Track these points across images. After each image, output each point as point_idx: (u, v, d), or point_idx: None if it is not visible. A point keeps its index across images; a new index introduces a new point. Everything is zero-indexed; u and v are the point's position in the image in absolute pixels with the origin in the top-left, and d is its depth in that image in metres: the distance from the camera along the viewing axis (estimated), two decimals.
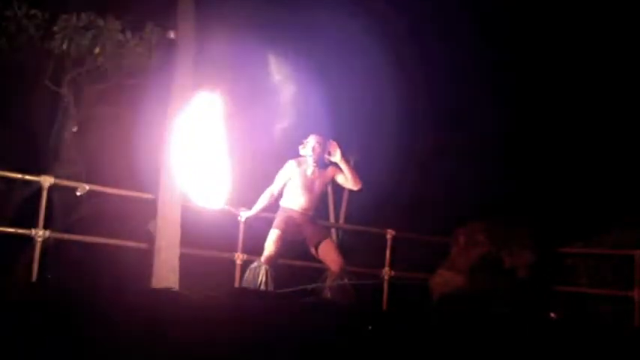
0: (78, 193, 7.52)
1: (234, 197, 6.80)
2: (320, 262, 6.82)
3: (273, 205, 6.80)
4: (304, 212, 6.63)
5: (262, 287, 6.34)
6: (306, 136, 6.72)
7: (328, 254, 6.60)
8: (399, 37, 10.69)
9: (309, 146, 6.63)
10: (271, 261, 6.50)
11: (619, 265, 8.76)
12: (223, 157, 6.68)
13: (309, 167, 6.62)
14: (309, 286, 6.72)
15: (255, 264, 6.57)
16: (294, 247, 6.89)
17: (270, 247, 6.55)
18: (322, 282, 6.62)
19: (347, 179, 6.68)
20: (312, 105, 9.25)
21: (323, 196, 6.89)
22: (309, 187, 6.62)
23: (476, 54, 11.00)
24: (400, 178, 11.25)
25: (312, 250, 6.67)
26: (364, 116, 10.70)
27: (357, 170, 7.03)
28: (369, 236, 9.78)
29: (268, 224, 6.98)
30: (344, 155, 6.67)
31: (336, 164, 6.69)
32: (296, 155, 6.74)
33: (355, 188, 6.81)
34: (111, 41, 7.82)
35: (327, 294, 6.46)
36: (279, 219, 6.65)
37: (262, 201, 6.72)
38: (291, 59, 9.11)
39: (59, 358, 3.30)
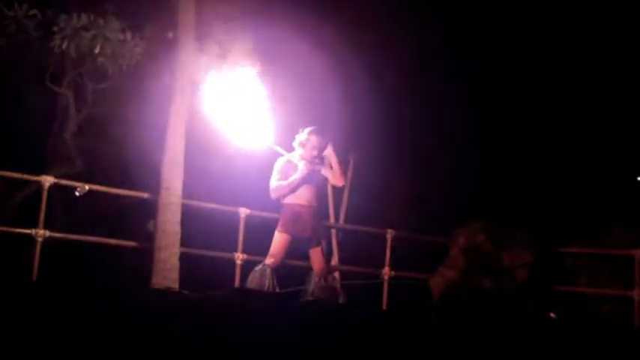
0: (77, 194, 7.53)
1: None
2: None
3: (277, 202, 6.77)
4: (310, 204, 6.63)
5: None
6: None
7: (316, 259, 6.65)
8: (402, 38, 10.69)
9: (308, 140, 6.61)
10: (276, 265, 6.51)
11: (619, 265, 8.76)
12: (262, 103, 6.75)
13: (301, 162, 6.61)
14: (298, 288, 6.75)
15: (260, 266, 6.55)
16: (296, 246, 6.88)
17: (276, 251, 6.54)
18: (307, 283, 6.67)
19: (333, 174, 6.69)
20: (312, 105, 9.25)
21: (324, 187, 6.89)
22: (306, 179, 6.61)
23: (476, 54, 11.00)
24: (400, 178, 11.25)
25: (310, 247, 6.68)
26: (364, 116, 10.69)
27: (356, 170, 7.05)
28: (369, 236, 9.78)
29: (268, 224, 6.98)
30: (335, 150, 6.71)
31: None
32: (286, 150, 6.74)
33: (339, 184, 6.89)
34: (111, 41, 7.80)
35: (312, 294, 6.53)
36: (286, 220, 6.60)
37: (282, 185, 6.64)
38: (291, 59, 9.11)
39: (59, 358, 3.30)
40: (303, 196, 6.62)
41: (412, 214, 10.65)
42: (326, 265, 6.80)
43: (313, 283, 6.61)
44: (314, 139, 6.62)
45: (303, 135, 6.64)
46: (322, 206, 7.01)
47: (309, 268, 6.75)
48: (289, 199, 6.65)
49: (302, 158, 6.61)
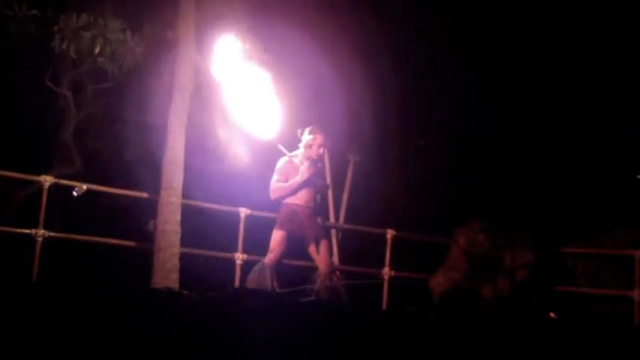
0: (75, 194, 7.53)
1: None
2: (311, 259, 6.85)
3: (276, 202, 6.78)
4: (307, 205, 6.64)
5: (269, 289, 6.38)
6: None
7: (321, 255, 6.63)
8: (401, 39, 10.70)
9: (314, 139, 6.61)
10: (275, 263, 6.52)
11: (619, 265, 8.76)
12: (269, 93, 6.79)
13: (303, 164, 6.62)
14: (301, 287, 6.75)
15: (259, 265, 6.56)
16: (295, 246, 6.88)
17: (274, 248, 6.55)
18: (312, 282, 6.66)
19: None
20: (312, 106, 9.24)
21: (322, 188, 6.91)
22: (307, 181, 6.63)
23: (478, 55, 11.00)
24: (400, 178, 11.24)
25: (308, 246, 6.68)
26: (364, 116, 10.70)
27: (356, 170, 7.09)
28: (369, 236, 9.77)
29: (268, 224, 6.97)
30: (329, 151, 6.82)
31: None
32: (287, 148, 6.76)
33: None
34: (111, 41, 7.81)
35: (317, 294, 6.52)
36: (283, 217, 6.63)
37: (283, 187, 6.64)
38: (292, 59, 9.10)
39: (59, 358, 3.30)
40: (301, 197, 6.65)
41: (412, 214, 10.65)
42: (330, 265, 6.78)
43: (319, 283, 6.60)
44: (319, 137, 6.66)
45: (307, 136, 6.65)
46: (322, 206, 7.02)
47: (314, 268, 6.75)
48: (288, 199, 6.68)
49: (309, 157, 6.63)
